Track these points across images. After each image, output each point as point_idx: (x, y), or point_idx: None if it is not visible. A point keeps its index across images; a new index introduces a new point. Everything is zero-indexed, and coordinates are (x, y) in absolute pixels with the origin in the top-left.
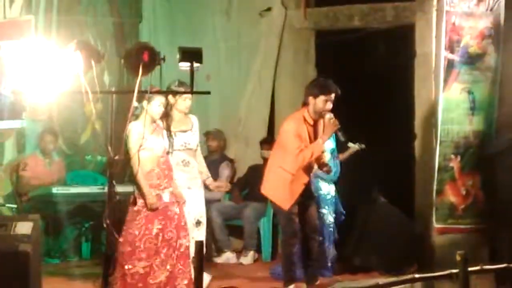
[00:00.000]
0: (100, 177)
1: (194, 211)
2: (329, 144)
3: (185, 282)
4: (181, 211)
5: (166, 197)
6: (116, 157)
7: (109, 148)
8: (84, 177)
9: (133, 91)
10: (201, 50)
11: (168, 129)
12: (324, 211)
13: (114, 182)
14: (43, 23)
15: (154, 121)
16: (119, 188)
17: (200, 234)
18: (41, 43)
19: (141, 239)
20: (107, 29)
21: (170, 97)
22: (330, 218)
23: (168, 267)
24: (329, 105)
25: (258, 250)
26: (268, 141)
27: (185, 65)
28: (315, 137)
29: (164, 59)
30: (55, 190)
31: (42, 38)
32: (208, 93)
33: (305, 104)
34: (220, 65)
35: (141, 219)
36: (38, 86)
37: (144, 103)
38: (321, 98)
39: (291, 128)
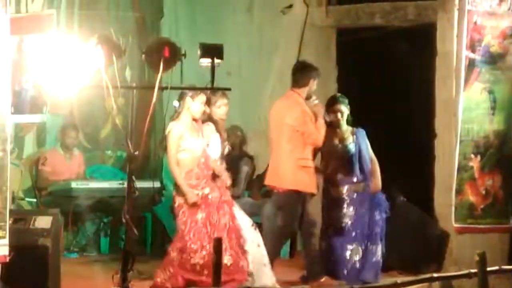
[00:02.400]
0: (119, 172)
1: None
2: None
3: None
4: (223, 194)
5: (206, 192)
6: (136, 153)
7: (129, 143)
8: (103, 172)
9: (154, 87)
10: (222, 46)
11: (221, 134)
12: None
13: (133, 177)
14: (64, 18)
15: (194, 120)
16: (139, 184)
17: (258, 235)
18: (62, 38)
19: (189, 232)
20: (129, 24)
21: (206, 106)
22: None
23: (228, 251)
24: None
25: None
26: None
27: (206, 61)
28: None
29: (185, 54)
30: (74, 184)
31: (63, 33)
32: (229, 89)
33: (300, 86)
34: (241, 62)
35: (184, 213)
36: (60, 80)
37: (188, 100)
38: (316, 81)
39: (303, 114)
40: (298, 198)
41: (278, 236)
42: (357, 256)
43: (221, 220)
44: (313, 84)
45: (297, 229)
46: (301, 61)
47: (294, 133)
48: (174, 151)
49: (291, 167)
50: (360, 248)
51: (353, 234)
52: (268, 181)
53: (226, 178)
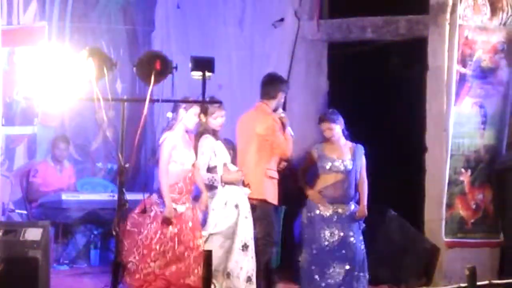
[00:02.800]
0: (110, 184)
1: (242, 234)
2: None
3: (192, 278)
4: (195, 214)
5: (180, 208)
6: (127, 165)
7: (120, 155)
8: (94, 185)
9: (145, 99)
10: (213, 59)
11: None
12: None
13: (124, 189)
14: (56, 30)
15: (186, 132)
16: (129, 196)
17: (247, 259)
18: (54, 50)
19: (157, 243)
20: (121, 36)
21: (202, 116)
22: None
23: (181, 263)
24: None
25: None
26: None
27: (197, 74)
28: None
29: (176, 67)
30: (65, 196)
31: (55, 45)
32: (220, 102)
33: (270, 98)
34: (232, 75)
35: (157, 223)
36: (51, 93)
37: (181, 111)
38: (284, 94)
39: (274, 124)
40: (269, 207)
41: (261, 248)
42: (339, 276)
43: (194, 240)
44: (281, 97)
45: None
46: (271, 73)
47: (263, 142)
48: (165, 160)
49: (259, 177)
50: (342, 269)
51: (337, 254)
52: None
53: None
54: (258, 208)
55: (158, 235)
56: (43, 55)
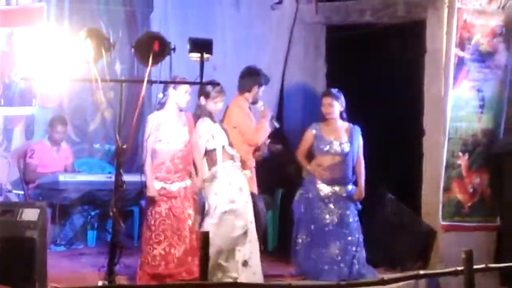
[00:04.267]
0: (107, 165)
1: (244, 218)
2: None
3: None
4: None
5: (173, 187)
6: (125, 146)
7: (118, 137)
8: (91, 165)
9: (143, 80)
10: (211, 41)
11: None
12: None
13: (121, 171)
14: (55, 11)
15: (180, 110)
16: (127, 177)
17: (244, 242)
18: (52, 31)
19: (155, 223)
20: (119, 17)
21: (201, 98)
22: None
23: (183, 244)
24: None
25: (264, 241)
26: (277, 135)
27: (195, 56)
28: None
29: (174, 49)
30: (62, 177)
31: (53, 26)
32: (218, 84)
33: (245, 91)
34: (227, 57)
35: (150, 203)
36: (49, 74)
37: (170, 90)
38: (262, 87)
39: (241, 114)
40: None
41: None
42: (338, 255)
43: (187, 215)
44: (259, 91)
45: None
46: (248, 67)
47: (233, 133)
48: (149, 140)
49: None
50: (340, 248)
51: (335, 233)
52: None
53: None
54: None
55: (152, 215)
56: (41, 36)
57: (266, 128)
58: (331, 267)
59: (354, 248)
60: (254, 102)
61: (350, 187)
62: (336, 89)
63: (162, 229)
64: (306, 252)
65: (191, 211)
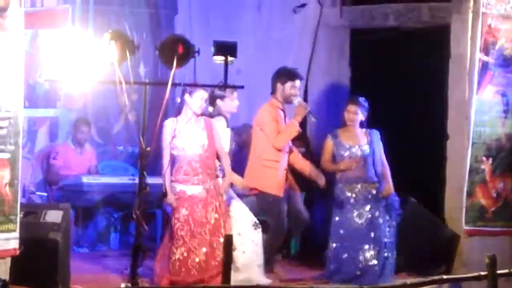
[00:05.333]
0: (131, 168)
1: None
2: (359, 150)
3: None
4: (212, 196)
5: (191, 190)
6: (148, 149)
7: (142, 139)
8: (115, 168)
9: (167, 83)
10: (235, 44)
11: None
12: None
13: (145, 173)
14: (79, 13)
15: (198, 116)
16: (150, 180)
17: (258, 236)
18: (77, 33)
19: (174, 229)
20: (143, 20)
21: (218, 100)
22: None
23: (204, 247)
24: (296, 91)
25: (286, 246)
26: (300, 139)
27: (219, 59)
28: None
29: (198, 52)
30: (85, 179)
31: (78, 28)
32: (242, 87)
33: (273, 91)
34: (250, 60)
35: (170, 209)
36: (73, 76)
37: (186, 97)
38: (288, 84)
39: (266, 115)
40: (268, 197)
41: (269, 236)
42: (371, 258)
43: (209, 218)
44: (283, 88)
45: (285, 228)
46: (279, 68)
47: (258, 133)
48: (165, 145)
49: (256, 167)
50: (373, 251)
51: (367, 235)
52: (244, 182)
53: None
54: (257, 199)
55: (173, 221)
56: (66, 38)
57: (289, 130)
58: (363, 272)
59: (385, 251)
60: (288, 101)
61: (377, 184)
62: (363, 98)
63: (180, 235)
64: (337, 258)
65: (214, 214)
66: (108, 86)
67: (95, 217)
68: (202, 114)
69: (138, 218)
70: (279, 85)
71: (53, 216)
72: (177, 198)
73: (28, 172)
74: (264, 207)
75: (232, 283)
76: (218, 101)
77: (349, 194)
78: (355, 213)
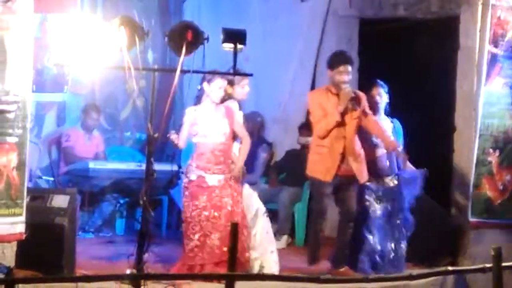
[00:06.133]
0: (138, 154)
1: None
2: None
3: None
4: (229, 186)
5: (211, 180)
6: (156, 135)
7: (149, 125)
8: (122, 153)
9: (175, 70)
10: (245, 31)
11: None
12: (368, 199)
13: (152, 159)
14: None
15: (217, 104)
16: (157, 166)
17: (267, 223)
18: (86, 18)
19: (191, 214)
20: (152, 6)
21: (227, 86)
22: (377, 210)
23: (218, 233)
24: (345, 77)
25: (292, 234)
26: (307, 127)
27: (228, 46)
28: (344, 112)
29: (208, 39)
30: (92, 165)
31: (87, 13)
32: (251, 75)
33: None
34: (258, 47)
35: (188, 195)
36: (82, 61)
37: (204, 85)
38: (336, 70)
39: (313, 99)
40: (315, 182)
41: (311, 220)
42: (386, 249)
43: (224, 204)
44: (335, 74)
45: (323, 209)
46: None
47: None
48: (184, 135)
49: (310, 154)
50: (389, 242)
51: (384, 226)
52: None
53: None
54: (310, 183)
55: (190, 208)
56: (75, 23)
57: (328, 120)
58: (378, 261)
59: (400, 242)
60: (338, 86)
61: (396, 179)
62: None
63: (198, 220)
64: (355, 246)
65: (229, 200)
66: (116, 72)
67: (101, 202)
68: (221, 102)
69: (145, 204)
70: (329, 71)
71: (60, 200)
72: (194, 185)
73: (35, 156)
74: (311, 191)
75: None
76: (228, 87)
77: (371, 185)
78: (377, 205)
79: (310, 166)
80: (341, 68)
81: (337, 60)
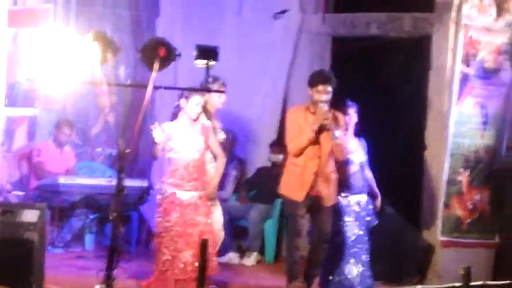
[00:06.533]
0: (108, 169)
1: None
2: (359, 157)
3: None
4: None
5: (184, 197)
6: (127, 151)
7: (121, 141)
8: (92, 169)
9: (147, 85)
10: (217, 48)
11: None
12: (342, 223)
13: (122, 175)
14: (61, 13)
15: (194, 121)
16: (127, 182)
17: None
18: (58, 33)
19: (164, 230)
20: (125, 22)
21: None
22: (351, 231)
23: (191, 249)
24: (323, 96)
25: (262, 252)
26: (278, 145)
27: (201, 63)
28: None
29: (180, 55)
30: (62, 180)
31: (60, 28)
32: (222, 91)
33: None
34: (230, 64)
35: (161, 211)
36: (54, 75)
37: (182, 101)
38: (315, 88)
39: (290, 116)
40: (290, 204)
41: (288, 240)
42: (355, 270)
43: (196, 221)
44: (313, 92)
45: (299, 228)
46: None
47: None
48: (160, 148)
49: (284, 172)
50: (358, 263)
51: (354, 247)
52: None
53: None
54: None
55: (162, 223)
56: (47, 37)
57: (301, 138)
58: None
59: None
60: (317, 106)
61: (365, 197)
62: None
63: (170, 236)
64: (325, 266)
65: (202, 218)
66: (88, 87)
67: (71, 217)
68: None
69: (115, 220)
70: (308, 89)
71: (30, 215)
72: (167, 201)
73: (5, 171)
74: (285, 210)
75: None
76: (205, 95)
77: (345, 203)
78: (350, 223)
79: (283, 184)
80: (320, 87)
81: (317, 78)
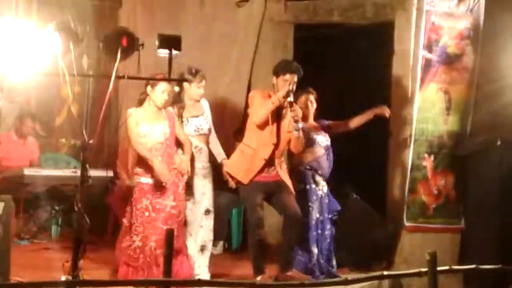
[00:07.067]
0: (73, 160)
1: (205, 201)
2: (323, 141)
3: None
4: (172, 187)
5: (150, 182)
6: (91, 141)
7: (84, 131)
8: (57, 160)
9: (110, 76)
10: (180, 37)
11: (180, 116)
12: (311, 205)
13: (87, 166)
14: (23, 2)
15: (160, 109)
16: (92, 173)
17: (208, 222)
18: (20, 23)
19: (135, 217)
20: (88, 11)
21: (185, 84)
22: (316, 214)
23: (156, 235)
24: (286, 85)
25: (228, 240)
26: (242, 132)
27: (163, 52)
28: (279, 119)
29: (142, 45)
30: (27, 171)
31: (21, 18)
32: (187, 80)
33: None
34: (193, 54)
35: (132, 198)
36: (15, 66)
37: (148, 89)
38: (282, 77)
39: (254, 95)
40: (245, 190)
41: (250, 232)
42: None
43: (164, 205)
44: (279, 81)
45: (259, 219)
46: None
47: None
48: (135, 134)
49: (235, 151)
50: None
51: (320, 230)
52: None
53: (185, 162)
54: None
55: (133, 211)
56: (9, 28)
57: (266, 105)
58: (315, 266)
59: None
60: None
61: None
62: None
63: (140, 222)
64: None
65: (172, 202)
66: (50, 78)
67: (36, 209)
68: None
69: (80, 211)
70: (274, 78)
71: None
72: (137, 189)
73: None
74: (241, 197)
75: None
76: (185, 85)
77: (315, 186)
78: (315, 207)
79: (230, 163)
80: (287, 76)
81: (284, 67)
